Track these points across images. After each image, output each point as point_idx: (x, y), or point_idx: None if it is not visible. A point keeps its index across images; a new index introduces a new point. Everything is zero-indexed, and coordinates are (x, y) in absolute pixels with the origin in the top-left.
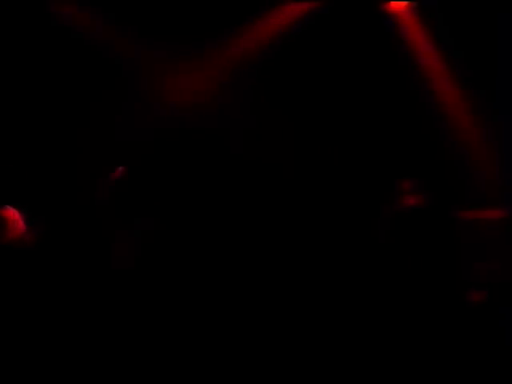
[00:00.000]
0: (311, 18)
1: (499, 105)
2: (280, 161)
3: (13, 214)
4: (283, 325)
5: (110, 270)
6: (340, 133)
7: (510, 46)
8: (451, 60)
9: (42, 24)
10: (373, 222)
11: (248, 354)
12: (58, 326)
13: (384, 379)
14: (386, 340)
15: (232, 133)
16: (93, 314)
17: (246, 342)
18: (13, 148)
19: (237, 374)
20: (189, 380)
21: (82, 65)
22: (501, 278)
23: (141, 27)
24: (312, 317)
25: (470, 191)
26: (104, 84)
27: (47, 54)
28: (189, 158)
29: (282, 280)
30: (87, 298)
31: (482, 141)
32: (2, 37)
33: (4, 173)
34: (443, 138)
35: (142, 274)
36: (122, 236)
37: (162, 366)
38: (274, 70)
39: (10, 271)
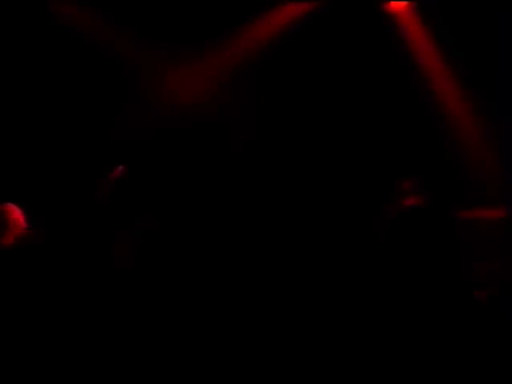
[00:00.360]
0: (311, 18)
1: (499, 105)
2: (280, 161)
3: (14, 210)
4: (283, 325)
5: (110, 270)
6: (340, 133)
7: (510, 46)
8: (451, 60)
9: (42, 24)
10: (373, 222)
11: (248, 354)
12: (58, 325)
13: (384, 379)
14: (387, 340)
15: (232, 133)
16: (93, 314)
17: (246, 342)
18: (13, 148)
19: (237, 374)
20: (189, 380)
21: (81, 65)
22: (501, 277)
23: (141, 27)
24: (312, 317)
25: (470, 191)
26: (104, 84)
27: (47, 54)
28: (189, 158)
29: (282, 280)
30: (87, 298)
31: (481, 141)
32: (2, 37)
33: (4, 173)
34: (443, 137)
35: (142, 273)
36: (122, 236)
37: (162, 365)
38: (274, 69)
39: (11, 270)
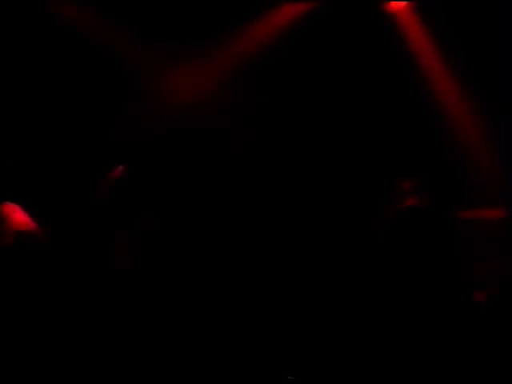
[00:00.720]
0: (311, 18)
1: (499, 105)
2: (280, 161)
3: (14, 210)
4: (283, 325)
5: (110, 270)
6: (340, 132)
7: (510, 45)
8: (451, 60)
9: (42, 24)
10: (373, 222)
11: (248, 353)
12: (59, 325)
13: (384, 379)
14: (386, 340)
15: (232, 133)
16: (93, 314)
17: (246, 342)
18: (13, 148)
19: (237, 373)
20: (189, 380)
21: (81, 65)
22: (501, 277)
23: (141, 27)
24: (312, 316)
25: (470, 191)
26: (104, 84)
27: (47, 54)
28: (189, 158)
29: (282, 280)
30: (87, 298)
31: (482, 141)
32: (2, 37)
33: (4, 173)
34: (443, 137)
35: (142, 273)
36: (122, 236)
37: (162, 365)
38: (273, 69)
39: (11, 269)
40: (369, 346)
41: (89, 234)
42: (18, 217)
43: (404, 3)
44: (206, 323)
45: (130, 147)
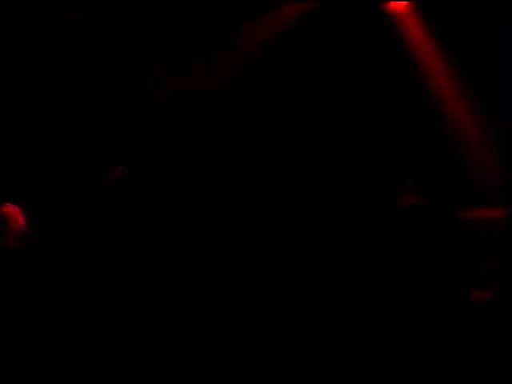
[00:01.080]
0: (311, 18)
1: (499, 105)
2: (280, 160)
3: (13, 211)
4: (283, 324)
5: (110, 270)
6: (340, 132)
7: (510, 46)
8: (451, 60)
9: (42, 24)
10: (373, 221)
11: (248, 354)
12: (58, 326)
13: (384, 379)
14: (387, 339)
15: (232, 132)
16: (93, 315)
17: (246, 342)
18: (13, 148)
19: (237, 374)
20: (189, 380)
21: (82, 65)
22: (501, 277)
23: (141, 27)
24: (312, 316)
25: (470, 191)
26: (104, 84)
27: (47, 54)
28: (189, 158)
29: (281, 279)
30: (87, 298)
31: (481, 141)
32: (3, 37)
33: (4, 173)
34: (443, 137)
35: (141, 274)
36: (122, 236)
37: (162, 366)
38: (274, 69)
39: (11, 270)
40: (369, 346)
41: (89, 234)
42: (18, 218)
43: (404, 3)
44: (206, 323)
45: (129, 147)
